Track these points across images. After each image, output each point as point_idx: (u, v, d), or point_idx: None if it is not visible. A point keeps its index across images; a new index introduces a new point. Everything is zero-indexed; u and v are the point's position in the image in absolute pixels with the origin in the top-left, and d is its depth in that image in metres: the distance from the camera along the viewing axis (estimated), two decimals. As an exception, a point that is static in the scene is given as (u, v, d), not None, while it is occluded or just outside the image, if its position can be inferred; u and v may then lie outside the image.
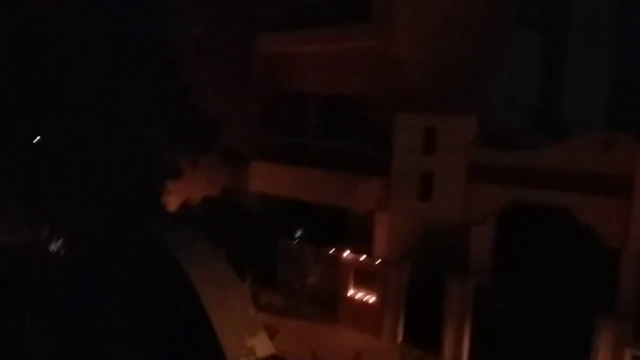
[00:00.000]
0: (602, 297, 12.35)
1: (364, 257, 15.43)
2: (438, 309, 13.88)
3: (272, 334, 15.10)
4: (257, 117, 18.31)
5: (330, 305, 16.15)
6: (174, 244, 11.23)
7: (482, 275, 13.70)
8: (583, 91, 19.08)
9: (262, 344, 11.47)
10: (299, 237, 17.50)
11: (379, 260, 15.13)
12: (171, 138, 13.20)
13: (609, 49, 19.73)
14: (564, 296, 12.74)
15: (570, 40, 18.76)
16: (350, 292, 15.65)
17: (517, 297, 13.11)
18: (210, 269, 11.31)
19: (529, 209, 13.06)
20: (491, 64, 16.21)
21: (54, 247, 11.84)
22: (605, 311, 12.04)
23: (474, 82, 15.92)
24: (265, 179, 16.96)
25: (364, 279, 15.39)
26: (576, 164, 12.38)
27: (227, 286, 11.34)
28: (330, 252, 16.16)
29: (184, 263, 10.95)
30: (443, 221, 14.14)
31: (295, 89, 18.15)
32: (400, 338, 14.81)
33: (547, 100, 18.32)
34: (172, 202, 12.99)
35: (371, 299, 15.25)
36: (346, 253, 15.72)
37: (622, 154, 11.89)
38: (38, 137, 11.57)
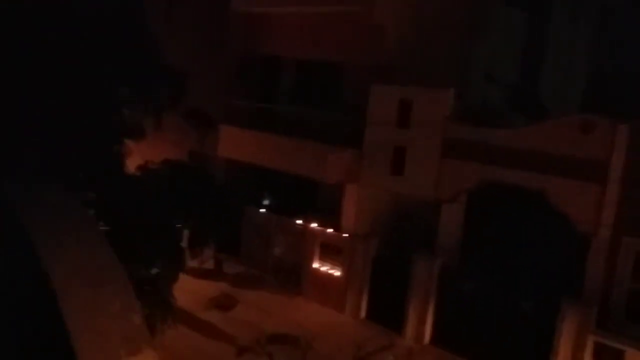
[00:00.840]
0: (568, 282, 12.20)
1: (331, 229, 15.04)
2: (403, 286, 13.62)
3: (231, 305, 14.80)
4: (229, 79, 17.57)
5: (293, 277, 15.80)
6: (26, 213, 7.51)
7: (450, 254, 13.47)
8: (562, 72, 18.81)
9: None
10: (265, 206, 17.02)
11: (346, 234, 14.76)
12: (133, 94, 12.34)
13: (590, 31, 19.44)
14: (531, 279, 12.57)
15: (553, 21, 18.42)
16: (315, 265, 15.31)
17: (483, 278, 12.92)
18: (77, 256, 7.52)
19: (501, 188, 12.76)
20: (473, 39, 15.76)
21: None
22: (570, 296, 11.90)
23: (453, 55, 15.46)
24: (234, 145, 16.37)
25: (330, 252, 15.05)
26: (553, 146, 12.05)
27: (100, 284, 7.55)
28: (297, 223, 15.72)
29: (38, 243, 7.15)
30: (414, 197, 13.80)
31: (269, 51, 17.44)
32: (363, 314, 14.56)
33: (526, 79, 18.00)
34: (132, 164, 12.24)
35: (336, 272, 14.94)
36: (313, 225, 15.31)
37: (599, 138, 11.60)
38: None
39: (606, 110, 12.56)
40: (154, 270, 11.19)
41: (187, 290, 13.29)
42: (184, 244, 12.67)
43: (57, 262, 7.17)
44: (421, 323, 13.49)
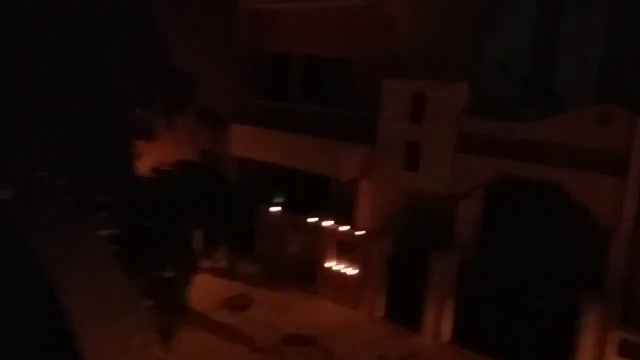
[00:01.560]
0: (590, 277, 11.94)
1: (345, 227, 14.84)
2: (421, 284, 13.41)
3: (246, 305, 14.68)
4: (239, 77, 17.40)
5: (309, 276, 15.61)
6: (42, 245, 6.97)
7: (467, 251, 13.22)
8: (576, 61, 18.38)
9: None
10: (279, 205, 16.85)
11: (361, 232, 14.56)
12: (144, 95, 12.20)
13: (603, 19, 19.00)
14: (552, 275, 12.31)
15: (564, 8, 18.01)
16: (330, 264, 15.12)
17: (503, 275, 12.67)
18: (95, 289, 7.04)
19: (519, 183, 12.50)
20: (483, 29, 15.43)
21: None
22: (593, 292, 11.64)
23: (464, 47, 15.16)
24: (246, 143, 16.21)
25: (345, 250, 14.87)
26: (571, 138, 11.77)
27: (119, 316, 7.09)
28: (311, 221, 15.55)
29: (55, 277, 6.63)
30: (429, 193, 13.55)
31: (279, 48, 17.24)
32: (380, 312, 14.37)
33: (538, 69, 17.61)
34: (144, 165, 12.10)
35: (351, 271, 14.75)
36: (327, 223, 15.12)
37: (619, 129, 11.30)
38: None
39: (622, 99, 12.27)
40: (168, 274, 11.06)
41: (201, 291, 13.12)
42: (198, 245, 12.55)
43: (75, 297, 6.74)
44: (439, 321, 13.27)
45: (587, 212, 11.67)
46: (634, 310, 11.45)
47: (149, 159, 12.45)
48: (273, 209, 16.67)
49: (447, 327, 13.29)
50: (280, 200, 16.99)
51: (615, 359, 11.28)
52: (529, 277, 12.43)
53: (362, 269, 14.51)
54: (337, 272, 14.98)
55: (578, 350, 11.62)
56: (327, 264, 15.14)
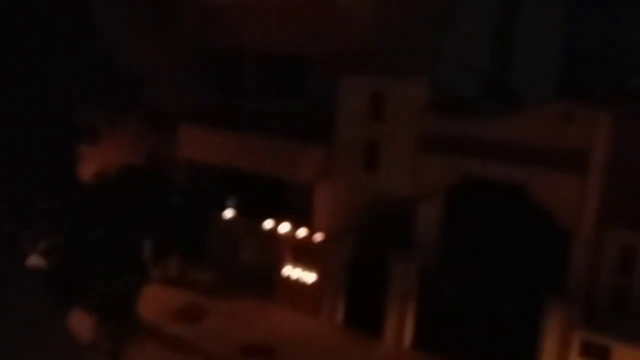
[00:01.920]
0: (552, 279, 11.82)
1: (303, 231, 14.32)
2: (381, 289, 13.04)
3: (200, 315, 14.01)
4: (188, 75, 16.62)
5: (265, 283, 15.02)
6: None
7: (429, 254, 12.91)
8: (534, 58, 18.45)
9: None
10: (232, 209, 16.18)
11: (319, 236, 14.07)
12: (87, 95, 11.48)
13: (560, 14, 19.15)
14: (514, 277, 12.15)
15: (522, 5, 18.04)
16: (288, 269, 14.57)
17: (464, 277, 12.44)
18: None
19: (481, 183, 12.27)
20: (443, 26, 15.21)
21: None
22: (555, 293, 11.51)
23: (424, 43, 14.88)
24: (196, 145, 15.45)
25: (303, 256, 14.34)
26: (533, 137, 11.60)
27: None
28: (266, 225, 14.96)
29: None
30: (389, 195, 13.17)
31: (230, 45, 16.52)
32: (340, 319, 13.93)
33: (497, 66, 17.58)
34: (88, 170, 11.32)
35: (310, 276, 14.25)
36: (284, 227, 14.56)
37: (581, 128, 11.19)
38: None
39: (580, 95, 12.23)
40: (116, 287, 10.33)
41: (152, 302, 12.56)
42: (147, 255, 11.82)
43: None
44: (401, 326, 12.94)
45: (549, 214, 11.53)
46: (595, 311, 11.38)
47: (93, 163, 11.71)
48: (226, 213, 15.99)
49: (409, 333, 12.96)
50: (233, 204, 16.33)
51: (577, 359, 11.19)
52: (492, 280, 12.24)
53: (321, 275, 14.04)
54: (295, 279, 14.45)
55: (541, 353, 11.50)
56: (284, 270, 14.58)
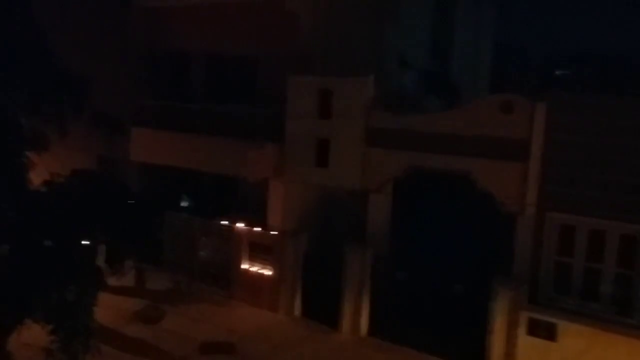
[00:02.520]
0: (499, 262, 12.34)
1: (258, 228, 14.49)
2: (337, 280, 13.34)
3: (158, 317, 13.99)
4: (135, 78, 16.51)
5: (222, 281, 15.15)
6: None
7: (381, 244, 13.29)
8: (470, 53, 19.11)
9: None
10: (186, 210, 16.20)
11: (274, 232, 14.28)
12: (31, 101, 11.24)
13: (494, 11, 19.90)
14: (462, 261, 12.63)
15: (458, 3, 18.64)
16: (244, 266, 14.73)
17: (416, 264, 12.86)
18: None
19: (428, 174, 12.71)
20: (384, 25, 15.58)
21: None
22: (502, 276, 12.02)
23: (368, 41, 15.24)
24: (147, 147, 15.45)
25: (259, 252, 14.53)
26: (475, 128, 12.11)
27: None
28: (221, 224, 15.06)
29: None
30: (340, 189, 13.50)
31: (177, 46, 16.51)
32: (298, 312, 14.20)
33: (436, 62, 18.12)
34: (36, 178, 11.13)
35: (267, 272, 14.45)
36: (239, 224, 14.70)
37: (520, 117, 11.75)
38: None
39: (511, 87, 12.76)
40: (70, 296, 10.20)
41: (109, 305, 12.35)
42: (101, 261, 11.72)
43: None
44: (357, 315, 13.27)
45: (493, 200, 12.04)
46: (539, 291, 11.95)
47: (41, 170, 11.51)
48: (180, 214, 15.99)
49: (364, 321, 13.31)
50: (187, 205, 16.34)
51: (525, 337, 11.71)
52: (442, 266, 12.68)
53: (278, 270, 14.25)
54: (252, 274, 14.63)
55: (491, 333, 11.98)
56: (241, 267, 14.73)
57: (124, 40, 16.47)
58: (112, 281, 12.91)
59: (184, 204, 16.51)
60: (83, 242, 10.77)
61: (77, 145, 15.65)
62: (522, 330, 11.73)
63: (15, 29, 10.74)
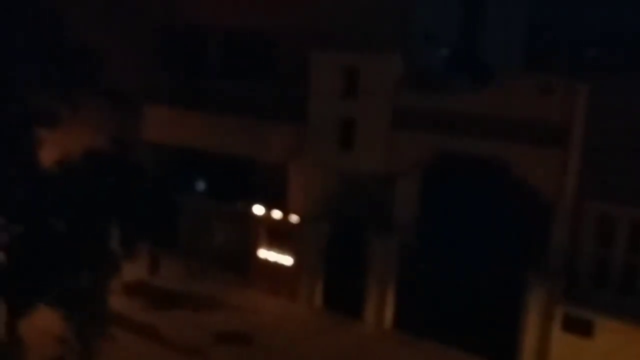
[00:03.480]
0: (533, 254, 11.70)
1: (277, 213, 13.89)
2: (360, 269, 12.76)
3: (173, 303, 13.55)
4: (150, 53, 15.87)
5: (240, 267, 14.60)
6: None
7: (407, 232, 12.67)
8: (502, 29, 18.24)
9: None
10: (201, 192, 15.63)
11: (295, 217, 13.67)
12: (43, 77, 10.75)
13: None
14: (494, 253, 11.98)
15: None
16: (263, 253, 14.18)
17: (444, 255, 12.23)
18: None
19: (458, 159, 12.02)
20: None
21: None
22: (536, 269, 11.40)
23: (393, 16, 14.44)
24: (162, 126, 14.89)
25: (278, 238, 13.97)
26: (510, 110, 11.40)
27: None
28: (238, 208, 14.48)
29: None
30: (365, 173, 12.83)
31: (194, 21, 15.82)
32: (318, 302, 13.65)
33: (466, 38, 17.30)
34: (48, 157, 10.62)
35: (286, 259, 13.88)
36: (257, 209, 14.10)
37: (560, 100, 11.00)
38: None
39: (547, 67, 12.03)
40: (84, 280, 9.76)
41: (122, 289, 12.02)
42: (115, 245, 11.22)
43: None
44: (381, 307, 12.74)
45: (528, 188, 11.36)
46: (577, 285, 11.33)
47: (54, 149, 11.00)
48: (196, 197, 15.44)
49: (389, 313, 12.75)
50: (202, 187, 15.76)
51: (560, 333, 11.17)
52: (472, 257, 12.06)
53: (297, 257, 13.72)
54: (271, 262, 14.10)
55: (524, 329, 11.41)
56: (259, 254, 14.17)
57: (140, 15, 15.80)
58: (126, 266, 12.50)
59: (199, 187, 15.93)
60: (97, 225, 10.31)
61: (89, 124, 15.12)
62: (556, 326, 11.20)
63: (27, 4, 10.22)
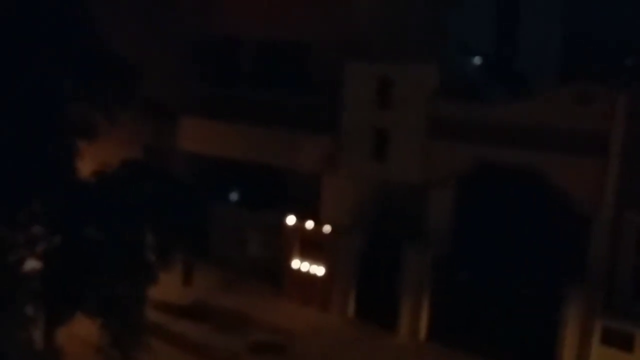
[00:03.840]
0: (571, 266, 11.47)
1: (310, 223, 13.89)
2: (393, 280, 12.66)
3: (206, 313, 13.61)
4: (184, 64, 16.08)
5: (273, 277, 14.63)
6: None
7: (442, 243, 12.54)
8: (537, 39, 18.04)
9: None
10: (235, 202, 15.73)
11: (328, 227, 13.64)
12: (82, 89, 10.93)
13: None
14: (531, 264, 11.79)
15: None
16: (295, 263, 14.17)
17: (479, 266, 12.07)
18: None
19: (494, 169, 11.88)
20: (447, 8, 14.73)
21: None
22: (574, 281, 11.19)
23: (429, 27, 14.42)
24: (196, 137, 15.03)
25: (311, 248, 13.94)
26: (548, 120, 11.24)
27: None
28: (272, 218, 14.52)
29: None
30: (399, 184, 12.76)
31: (227, 32, 16.00)
32: (351, 312, 13.57)
33: (501, 48, 17.16)
34: (86, 167, 10.80)
35: (319, 270, 13.85)
36: (290, 219, 14.12)
37: (599, 109, 10.81)
38: None
39: (582, 77, 11.87)
40: (121, 289, 9.88)
41: (156, 299, 12.07)
42: (151, 254, 11.34)
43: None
44: (416, 318, 12.60)
45: (567, 198, 11.17)
46: (617, 297, 11.07)
47: (91, 160, 11.19)
48: (229, 207, 15.54)
49: (423, 324, 12.61)
50: (236, 197, 15.85)
51: (599, 347, 10.92)
52: (508, 268, 11.87)
53: (330, 267, 13.67)
54: (304, 272, 14.07)
55: (561, 342, 11.19)
56: (292, 264, 14.17)
57: (173, 27, 16.03)
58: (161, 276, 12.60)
59: (233, 197, 16.04)
60: (133, 235, 10.43)
61: (125, 134, 15.34)
62: (595, 339, 10.96)
63: (66, 17, 10.43)
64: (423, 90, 12.32)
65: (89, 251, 9.81)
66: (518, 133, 11.49)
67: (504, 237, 12.08)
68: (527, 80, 15.75)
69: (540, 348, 11.44)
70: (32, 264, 10.02)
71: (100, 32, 11.06)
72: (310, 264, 13.99)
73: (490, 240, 12.16)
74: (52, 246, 10.04)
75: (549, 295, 11.43)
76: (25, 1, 9.58)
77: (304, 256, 14.06)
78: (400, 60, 12.90)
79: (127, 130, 15.49)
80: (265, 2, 15.22)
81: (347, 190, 13.57)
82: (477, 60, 15.68)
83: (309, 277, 14.00)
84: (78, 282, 9.71)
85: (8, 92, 9.34)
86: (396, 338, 12.66)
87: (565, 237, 11.74)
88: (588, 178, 11.02)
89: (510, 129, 11.53)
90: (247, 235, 15.20)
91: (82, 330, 10.19)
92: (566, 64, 17.92)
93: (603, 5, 17.71)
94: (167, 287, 14.01)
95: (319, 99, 13.84)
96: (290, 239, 14.20)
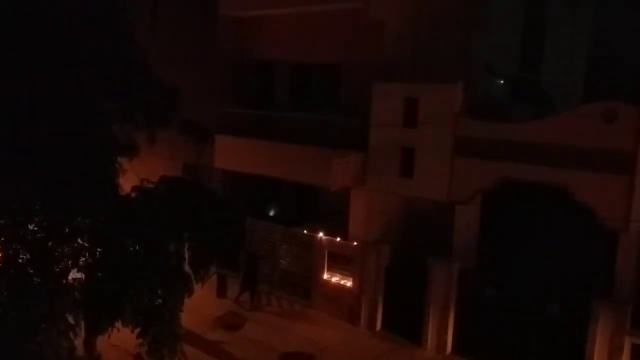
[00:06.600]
0: (599, 282, 11.51)
1: (339, 238, 14.25)
2: (420, 295, 12.87)
3: (239, 323, 14.03)
4: (221, 86, 16.75)
5: (302, 290, 15.03)
6: None
7: (468, 258, 12.71)
8: (562, 61, 18.16)
9: None
10: (268, 218, 16.20)
11: (355, 242, 13.99)
12: (124, 110, 11.53)
13: (588, 17, 18.87)
14: (558, 280, 11.88)
15: (550, 9, 17.80)
16: (325, 276, 14.52)
17: (505, 281, 12.20)
18: None
19: (520, 186, 12.04)
20: (472, 31, 15.02)
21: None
22: (602, 296, 11.20)
23: (454, 49, 14.72)
24: (231, 155, 15.55)
25: (340, 262, 14.27)
26: (574, 138, 11.34)
27: None
28: (302, 232, 14.94)
29: None
30: (426, 200, 13.02)
31: (262, 56, 16.64)
32: (378, 326, 13.82)
33: (526, 70, 17.31)
34: (126, 184, 11.39)
35: (347, 283, 14.17)
36: (320, 234, 14.52)
37: (624, 127, 10.90)
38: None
39: (608, 95, 11.93)
40: (158, 300, 10.34)
41: (191, 309, 12.47)
42: (187, 266, 11.83)
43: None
44: (442, 332, 12.75)
45: (593, 215, 11.24)
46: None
47: (132, 176, 11.78)
48: (262, 222, 16.02)
49: (449, 339, 12.76)
50: (268, 212, 16.33)
51: (629, 364, 10.87)
52: (534, 284, 11.98)
53: (358, 281, 13.94)
54: (333, 285, 14.40)
55: (590, 358, 11.17)
56: (321, 277, 14.53)
57: (211, 51, 16.74)
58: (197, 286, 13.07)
59: (271, 212, 16.51)
60: (170, 247, 10.88)
61: (164, 153, 16.02)
62: (625, 357, 10.92)
63: (112, 44, 11.04)
64: (448, 109, 12.58)
65: (128, 263, 10.31)
66: (543, 150, 11.59)
67: (530, 253, 12.21)
68: (552, 100, 15.87)
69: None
70: (75, 275, 10.59)
71: (143, 57, 11.73)
72: (340, 278, 14.32)
73: (516, 256, 12.31)
74: (95, 258, 10.60)
75: (576, 312, 11.46)
76: (78, 31, 10.17)
77: (333, 270, 14.41)
78: (427, 81, 13.21)
79: (167, 149, 16.22)
80: (298, 28, 15.79)
81: (374, 206, 13.87)
82: (502, 80, 15.85)
83: (337, 290, 14.31)
84: (118, 293, 10.14)
85: (60, 114, 9.94)
86: (422, 352, 12.83)
87: (592, 253, 11.80)
88: (614, 194, 11.03)
89: (535, 146, 11.65)
90: (279, 249, 15.62)
91: (120, 339, 10.59)
92: (591, 83, 17.96)
93: (628, 25, 17.70)
94: (203, 298, 14.62)
95: (348, 118, 14.24)
96: (319, 253, 14.57)
